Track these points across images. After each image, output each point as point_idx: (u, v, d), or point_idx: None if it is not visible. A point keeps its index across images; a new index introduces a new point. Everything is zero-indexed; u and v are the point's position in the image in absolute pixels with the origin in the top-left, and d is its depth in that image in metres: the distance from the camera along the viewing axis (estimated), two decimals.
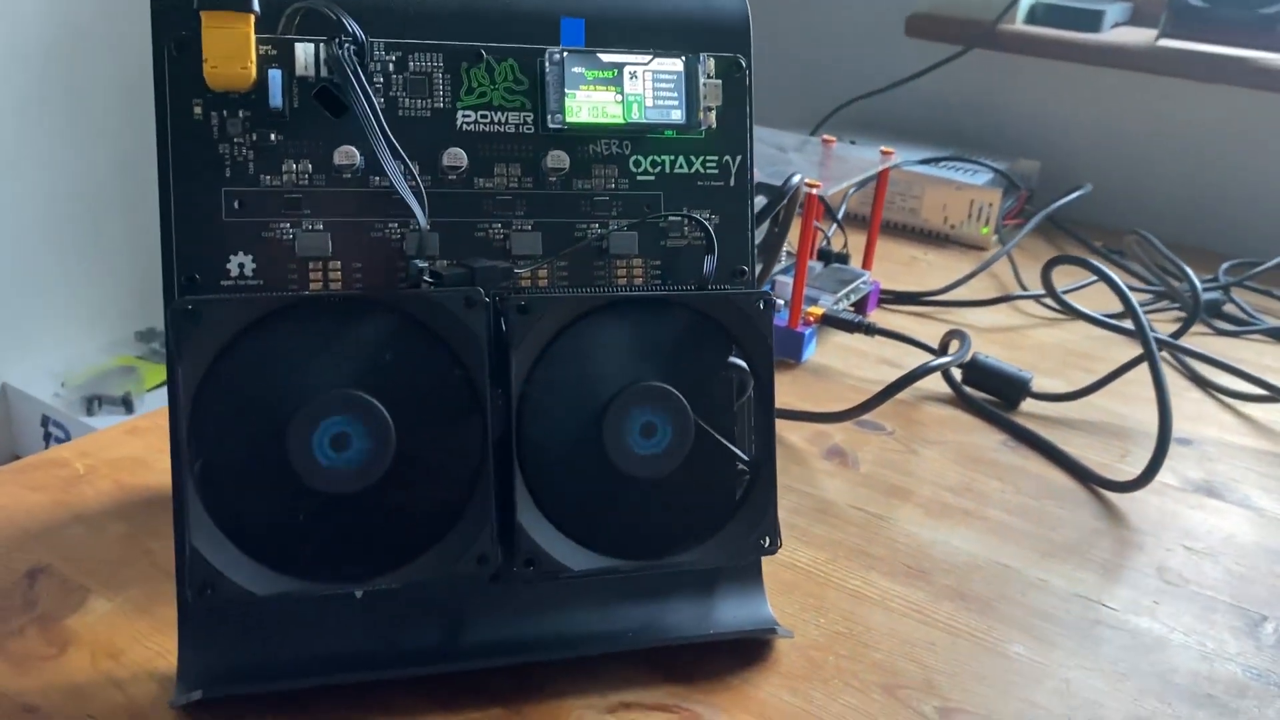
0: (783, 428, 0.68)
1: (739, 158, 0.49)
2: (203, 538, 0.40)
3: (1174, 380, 0.80)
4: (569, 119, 0.45)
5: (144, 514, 0.54)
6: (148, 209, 1.72)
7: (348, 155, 0.43)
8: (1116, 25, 1.22)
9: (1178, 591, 0.55)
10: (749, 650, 0.47)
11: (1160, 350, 0.77)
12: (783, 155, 0.83)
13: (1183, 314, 0.90)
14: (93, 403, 1.61)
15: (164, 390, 1.71)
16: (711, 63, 0.47)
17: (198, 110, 0.42)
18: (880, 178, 0.84)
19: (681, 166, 0.48)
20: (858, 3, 1.31)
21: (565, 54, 0.45)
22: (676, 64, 0.46)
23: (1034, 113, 1.23)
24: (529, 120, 0.46)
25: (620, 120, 0.46)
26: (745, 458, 0.46)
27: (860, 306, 0.85)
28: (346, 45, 0.42)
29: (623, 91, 0.46)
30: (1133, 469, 0.63)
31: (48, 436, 1.66)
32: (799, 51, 1.36)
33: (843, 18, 1.33)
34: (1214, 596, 0.55)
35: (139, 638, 0.46)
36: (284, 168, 0.43)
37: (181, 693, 0.41)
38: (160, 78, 0.42)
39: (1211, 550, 0.59)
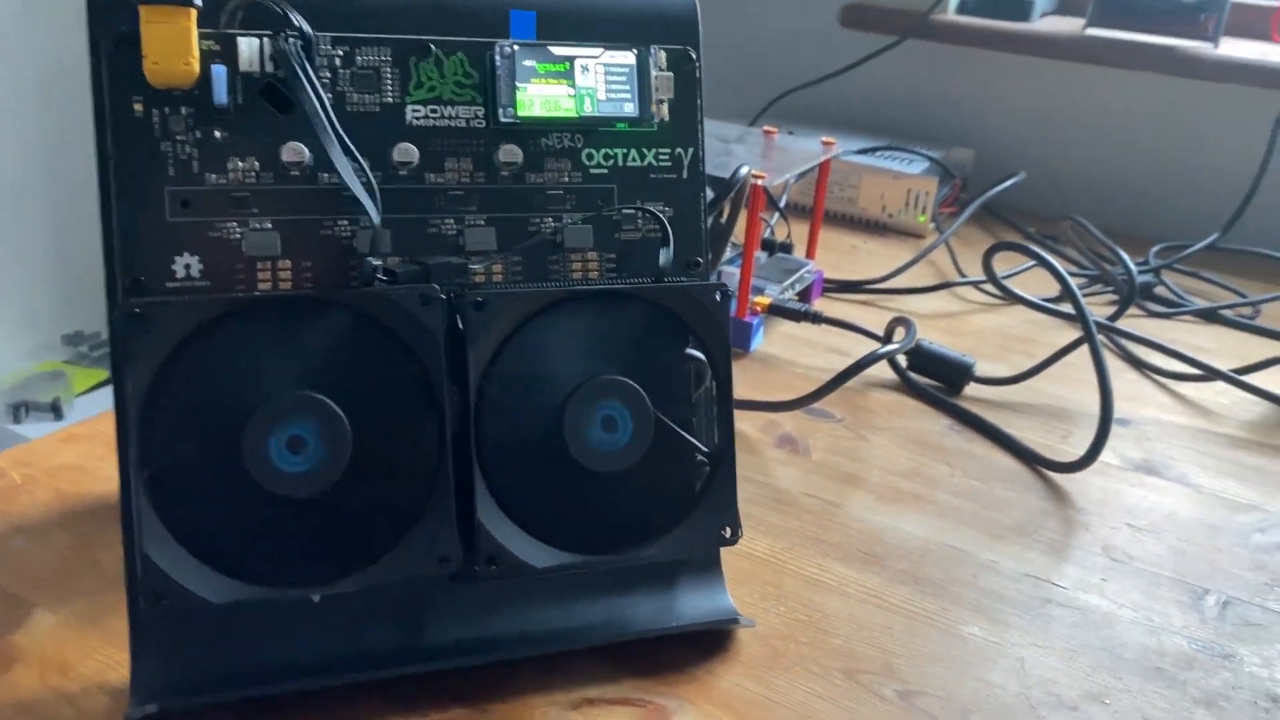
0: (734, 417, 0.68)
1: (691, 150, 0.49)
2: (155, 545, 0.39)
3: (1111, 362, 0.82)
4: (521, 112, 0.45)
5: (88, 523, 0.52)
6: (70, 210, 1.68)
7: (296, 152, 0.42)
8: (1046, 15, 1.24)
9: (1123, 568, 0.56)
10: (711, 641, 0.48)
11: (1098, 333, 0.79)
12: (725, 147, 0.84)
13: (1116, 297, 0.92)
14: (19, 409, 1.56)
15: (94, 395, 1.66)
16: (663, 55, 0.47)
17: (138, 108, 0.41)
18: (822, 168, 0.85)
19: (634, 159, 0.48)
20: None
21: (516, 47, 0.45)
22: (629, 57, 0.46)
23: (968, 102, 1.25)
24: (480, 114, 0.45)
25: (573, 114, 0.46)
26: (705, 449, 0.46)
27: (805, 296, 0.86)
28: (292, 40, 0.41)
29: (575, 85, 0.45)
30: (1075, 450, 0.64)
31: None
32: (736, 43, 1.37)
33: (778, 9, 1.33)
34: (1158, 572, 0.56)
35: (89, 651, 0.45)
36: (230, 166, 0.42)
37: (135, 706, 0.40)
38: (98, 75, 0.41)
39: (1154, 527, 0.60)
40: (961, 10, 1.24)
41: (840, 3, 1.26)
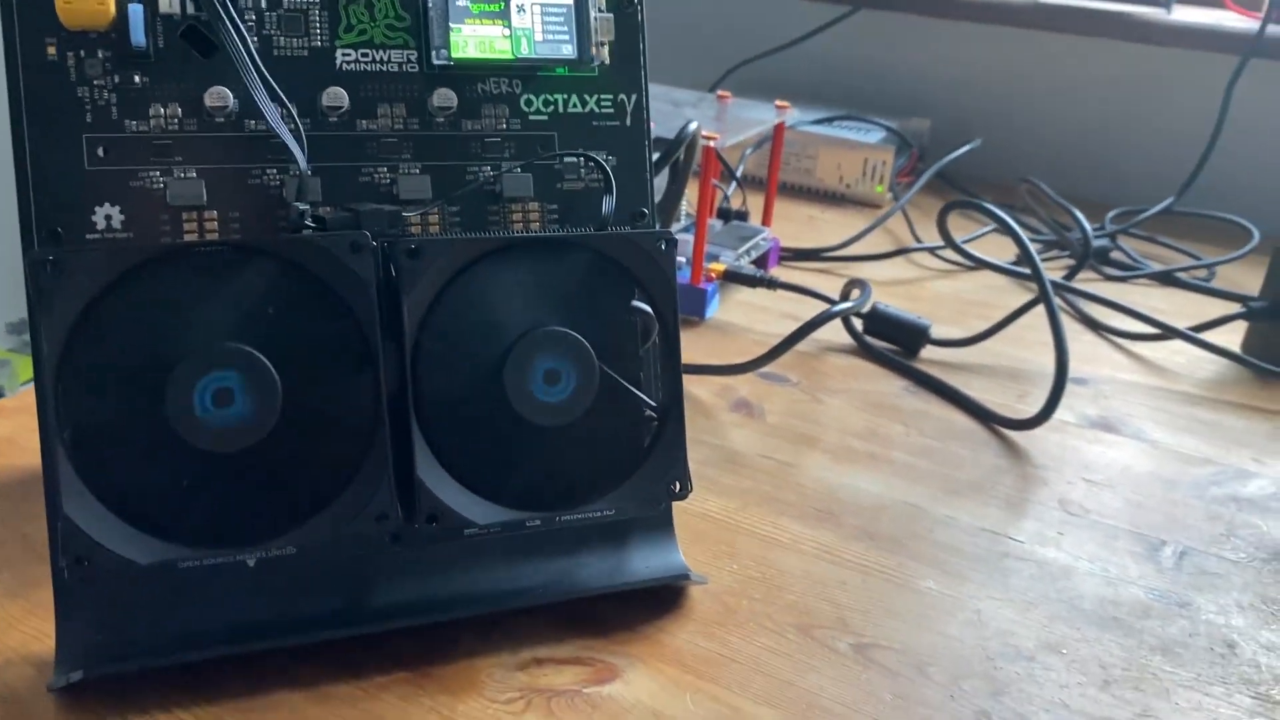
0: (689, 382, 0.67)
1: (634, 96, 0.47)
2: (76, 506, 0.37)
3: (1068, 324, 0.81)
4: (455, 54, 0.43)
5: (16, 495, 0.51)
6: (8, 197, 1.64)
7: (220, 97, 0.41)
8: None
9: (1080, 521, 0.56)
10: (662, 599, 0.47)
11: (1054, 294, 0.79)
12: (678, 111, 0.82)
13: (1073, 261, 0.92)
14: None
15: None
16: None
17: (51, 50, 0.39)
18: (776, 133, 0.84)
19: (575, 105, 0.46)
20: None
21: None
22: None
23: (924, 71, 1.24)
24: (412, 59, 0.44)
25: (509, 55, 0.44)
26: (653, 404, 0.45)
27: (761, 263, 0.85)
28: None
29: (510, 25, 0.44)
30: (1031, 409, 0.64)
31: None
32: (691, 13, 1.36)
33: None
34: (1114, 525, 0.56)
35: (13, 623, 0.43)
36: (151, 112, 0.40)
37: (60, 675, 0.38)
38: (8, 16, 0.39)
39: (1110, 481, 0.60)
40: None
41: None
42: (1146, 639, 0.47)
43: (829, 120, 1.13)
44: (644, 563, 0.47)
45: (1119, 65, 1.15)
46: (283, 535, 0.39)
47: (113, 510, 0.38)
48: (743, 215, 0.88)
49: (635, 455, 0.45)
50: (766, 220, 0.87)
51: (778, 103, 0.84)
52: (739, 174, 0.93)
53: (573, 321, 0.43)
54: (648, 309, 0.45)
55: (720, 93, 0.87)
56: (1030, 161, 1.21)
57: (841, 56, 1.26)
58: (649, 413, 0.45)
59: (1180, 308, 0.87)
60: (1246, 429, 0.67)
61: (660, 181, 0.70)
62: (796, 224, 1.02)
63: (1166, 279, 0.92)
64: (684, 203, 0.80)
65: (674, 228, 0.81)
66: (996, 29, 1.18)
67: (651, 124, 0.71)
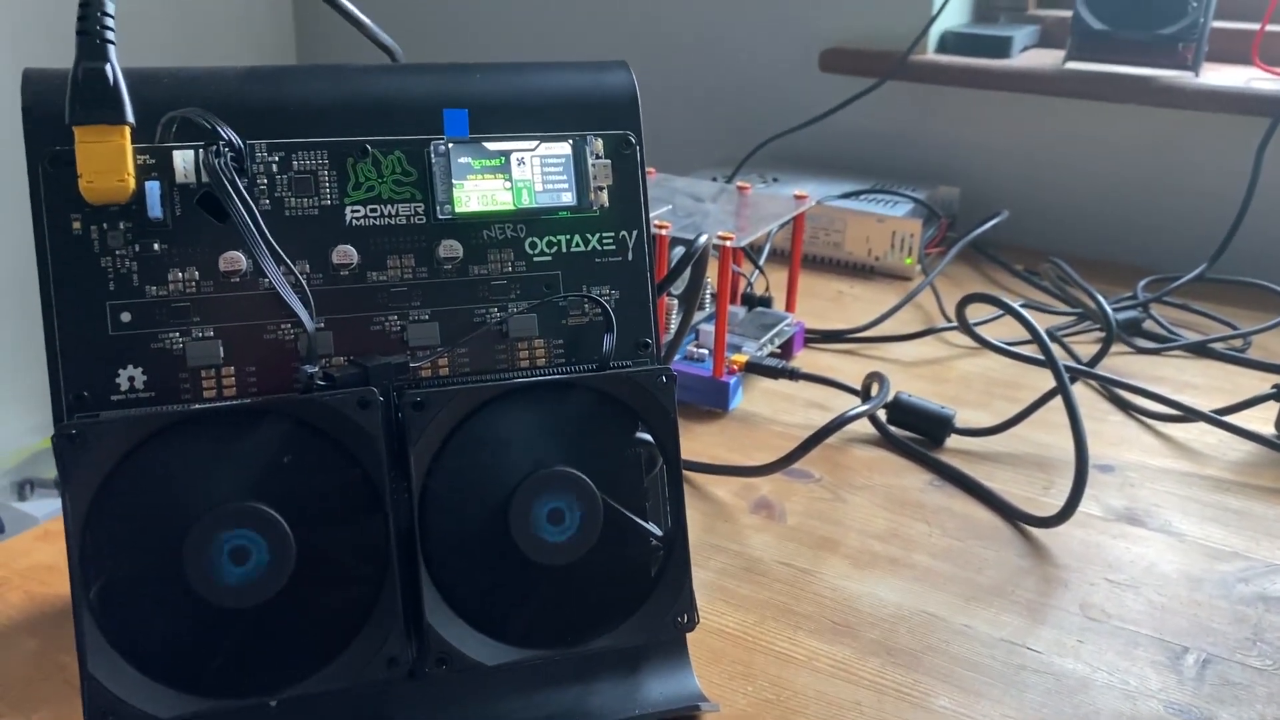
0: (710, 482, 0.68)
1: (635, 232, 0.49)
2: (100, 664, 0.39)
3: (1096, 404, 0.81)
4: (458, 209, 0.45)
5: (55, 627, 0.53)
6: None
7: (233, 261, 0.43)
8: (1026, 49, 1.24)
9: (1100, 628, 0.55)
10: None
11: (1076, 380, 0.79)
12: (700, 206, 0.84)
13: (1103, 333, 0.91)
14: (24, 486, 1.57)
15: None
16: (599, 142, 0.47)
17: (76, 225, 0.42)
18: (796, 221, 0.85)
19: (578, 245, 0.48)
20: (772, 41, 1.32)
21: (450, 145, 0.45)
22: (564, 147, 0.46)
23: (951, 140, 1.25)
24: (420, 210, 0.45)
25: (510, 207, 0.46)
26: (658, 533, 0.46)
27: (786, 349, 0.86)
28: (224, 152, 0.42)
29: (511, 178, 0.46)
30: (1056, 501, 0.64)
31: None
32: (717, 93, 1.38)
33: (757, 57, 1.34)
34: (1136, 630, 0.55)
35: None
36: (170, 277, 0.42)
37: None
38: (36, 195, 0.41)
39: (1133, 581, 0.59)
40: (941, 49, 1.24)
41: (819, 47, 1.27)
42: None
43: (857, 194, 1.14)
44: (659, 689, 0.48)
45: (1148, 131, 1.15)
46: (301, 682, 0.41)
47: (136, 666, 0.39)
48: (766, 301, 0.89)
49: (642, 587, 0.46)
50: (790, 305, 0.88)
51: (796, 194, 0.85)
52: (764, 257, 0.94)
53: (576, 458, 0.44)
54: (650, 440, 0.46)
55: (740, 184, 0.89)
56: (1061, 228, 1.20)
57: (868, 128, 1.27)
58: (654, 542, 0.46)
59: (1215, 381, 0.86)
60: (1278, 517, 0.66)
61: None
62: (824, 300, 1.02)
63: (1201, 350, 0.91)
64: (702, 292, 0.81)
65: (697, 317, 0.83)
66: (1023, 96, 1.18)
67: (667, 228, 0.72)
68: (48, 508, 1.55)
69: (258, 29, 1.81)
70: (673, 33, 1.39)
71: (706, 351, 0.79)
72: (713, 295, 0.85)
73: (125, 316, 0.42)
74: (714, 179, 1.09)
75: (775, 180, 1.18)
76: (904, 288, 1.04)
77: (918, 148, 1.27)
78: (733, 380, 0.77)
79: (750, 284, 0.90)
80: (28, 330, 1.70)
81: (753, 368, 0.78)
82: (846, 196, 1.13)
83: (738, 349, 0.80)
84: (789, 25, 1.30)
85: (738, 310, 0.87)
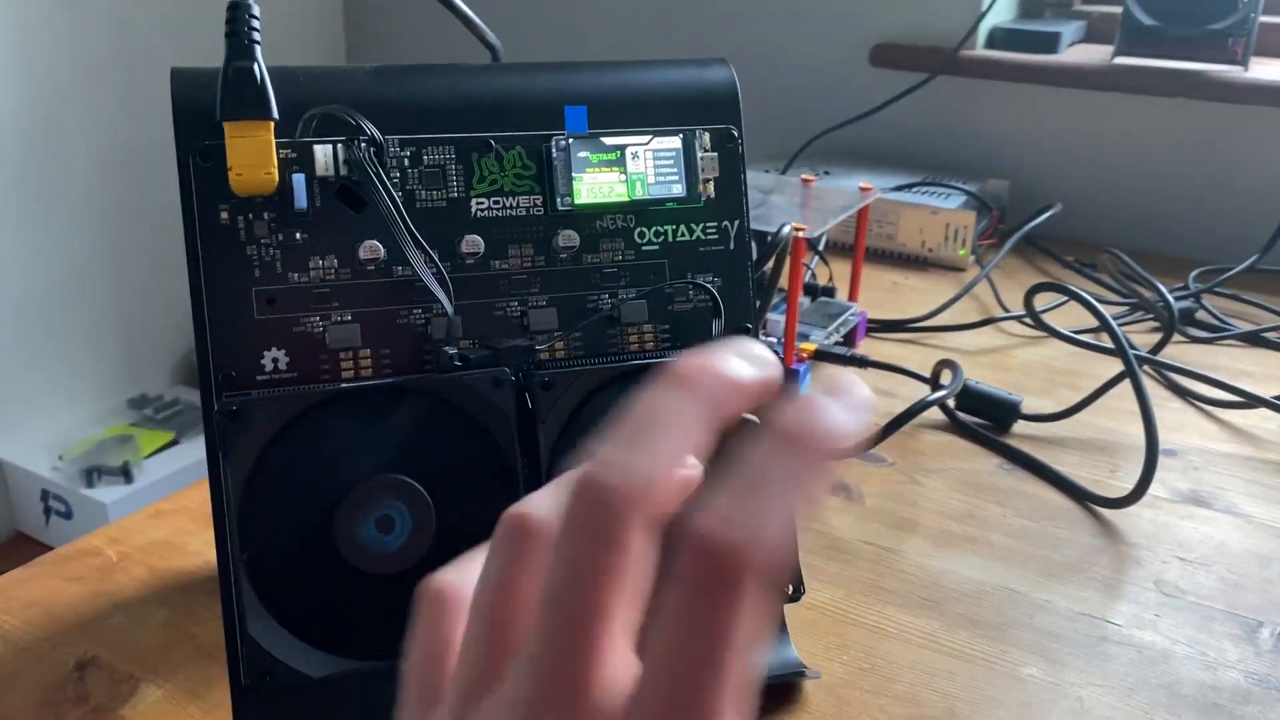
0: None
1: (737, 222, 0.51)
2: (257, 625, 0.41)
3: (1155, 391, 0.83)
4: (577, 201, 0.48)
5: (181, 599, 0.56)
6: (129, 277, 1.74)
7: (372, 249, 0.45)
8: (1073, 44, 1.26)
9: (1176, 603, 0.57)
10: (778, 694, 0.50)
11: (1140, 366, 0.81)
12: (764, 198, 0.86)
13: (1158, 324, 0.93)
14: (92, 474, 1.61)
15: (161, 457, 1.70)
16: (706, 136, 0.50)
17: (224, 215, 0.44)
18: (860, 213, 0.87)
19: (683, 235, 0.50)
20: (824, 37, 1.35)
21: (570, 140, 0.47)
22: (674, 142, 0.49)
23: (1000, 134, 1.27)
24: (538, 203, 0.48)
25: (625, 198, 0.48)
26: None
27: (850, 338, 0.88)
28: (365, 146, 0.44)
29: (626, 171, 0.48)
30: (1123, 484, 0.66)
31: (48, 510, 1.66)
32: (770, 87, 1.40)
33: (810, 52, 1.36)
34: (1211, 606, 0.57)
35: None
36: (311, 264, 0.45)
37: None
38: (186, 187, 0.44)
39: (1204, 560, 0.61)
40: (990, 45, 1.26)
41: (870, 43, 1.29)
42: None
43: (908, 186, 1.16)
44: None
45: (1198, 124, 1.17)
46: None
47: (287, 628, 0.42)
48: (830, 291, 0.91)
49: None
50: (853, 295, 0.90)
51: (861, 186, 0.87)
52: (823, 241, 0.96)
53: None
54: (754, 419, 0.49)
55: (804, 176, 0.91)
56: (1112, 221, 1.22)
57: (919, 122, 1.29)
58: None
59: (1270, 369, 0.88)
60: None
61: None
62: (881, 291, 1.04)
63: (1254, 339, 0.93)
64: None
65: (768, 309, 0.85)
66: (1072, 91, 1.20)
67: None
68: (115, 494, 1.59)
69: (307, 28, 1.84)
70: (725, 28, 1.42)
71: (776, 340, 0.81)
72: (778, 287, 0.87)
73: (270, 301, 0.45)
74: (766, 171, 1.11)
75: (827, 174, 1.20)
76: (958, 278, 1.06)
77: (967, 142, 1.29)
78: (803, 368, 0.80)
79: (813, 274, 0.92)
80: (89, 325, 1.75)
81: (821, 356, 0.80)
82: (899, 189, 1.15)
83: (805, 338, 0.82)
84: (840, 22, 1.33)
85: (802, 300, 0.89)
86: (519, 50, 0.58)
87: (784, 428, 0.21)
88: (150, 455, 1.68)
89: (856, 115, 1.25)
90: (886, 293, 1.04)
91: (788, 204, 0.85)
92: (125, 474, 1.61)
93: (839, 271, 0.91)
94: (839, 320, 0.86)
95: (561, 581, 0.20)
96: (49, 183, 1.68)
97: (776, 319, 0.81)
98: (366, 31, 1.79)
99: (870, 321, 0.93)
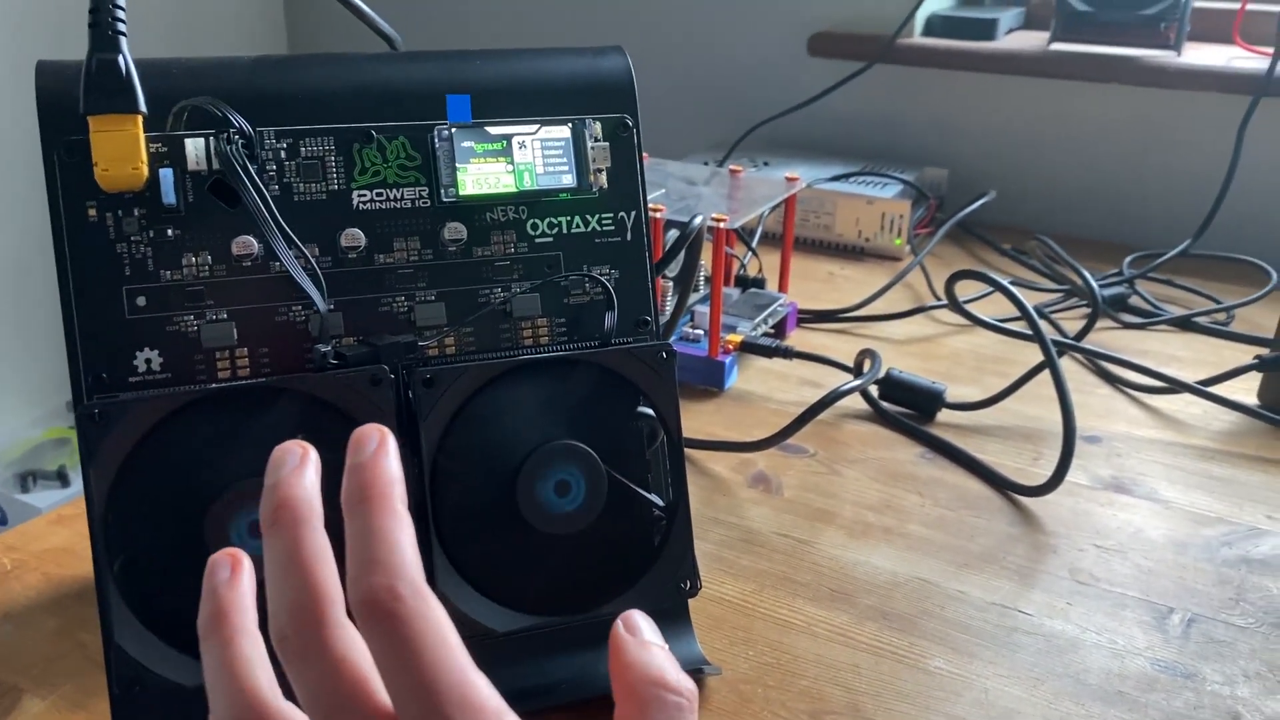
0: (708, 458, 0.70)
1: (633, 213, 0.50)
2: (126, 634, 0.40)
3: (1083, 377, 0.83)
4: (462, 192, 0.46)
5: (75, 605, 0.54)
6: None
7: (245, 245, 0.44)
8: (1011, 31, 1.25)
9: (1089, 591, 0.57)
10: None
11: (1064, 354, 0.80)
12: (693, 189, 0.85)
13: (1089, 309, 0.93)
14: (27, 479, 1.58)
15: None
16: (598, 126, 0.49)
17: (92, 212, 0.43)
18: (788, 202, 0.86)
19: (578, 226, 0.49)
20: (761, 26, 1.34)
21: (453, 130, 0.46)
22: (563, 131, 0.48)
23: (938, 122, 1.26)
24: (424, 194, 0.47)
25: (512, 189, 0.47)
26: (660, 503, 0.48)
27: (779, 329, 0.87)
28: (235, 140, 0.43)
29: (513, 161, 0.47)
30: (1045, 472, 0.65)
31: None
32: (708, 79, 1.39)
33: (747, 42, 1.35)
34: (1124, 593, 0.57)
35: None
36: (184, 261, 0.44)
37: None
38: (52, 183, 0.43)
39: (1121, 547, 0.61)
40: (928, 33, 1.25)
41: (808, 31, 1.28)
42: (1151, 713, 0.48)
43: (846, 176, 1.15)
44: None
45: (1132, 110, 1.17)
46: None
47: (159, 636, 0.41)
48: (760, 282, 0.90)
49: (646, 556, 0.47)
50: (783, 286, 0.89)
51: (787, 176, 0.86)
52: (756, 239, 0.96)
53: (581, 431, 0.46)
54: (652, 414, 0.48)
55: (732, 167, 0.90)
56: (1047, 207, 1.22)
57: (857, 111, 1.29)
58: (657, 511, 0.48)
59: (1200, 354, 0.88)
60: (1261, 484, 0.68)
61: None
62: (816, 281, 1.04)
63: (1185, 324, 0.93)
64: (697, 274, 0.83)
65: (692, 298, 0.84)
66: (1009, 78, 1.20)
67: (662, 210, 0.74)
68: (50, 499, 1.57)
69: (249, 22, 1.81)
70: (663, 19, 1.41)
71: (702, 332, 0.80)
72: (706, 278, 0.86)
73: (141, 300, 0.43)
74: (705, 163, 1.10)
75: (766, 164, 1.20)
76: (894, 268, 1.05)
77: (906, 130, 1.28)
78: (728, 359, 0.79)
79: (744, 266, 0.91)
80: (26, 326, 1.71)
81: (747, 347, 0.80)
82: (836, 179, 1.15)
83: (732, 329, 0.81)
84: (778, 10, 1.32)
85: (731, 292, 0.88)
86: (435, 43, 0.57)
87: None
88: None
89: (795, 105, 1.25)
90: (822, 283, 1.04)
91: (716, 196, 0.85)
92: (61, 478, 1.58)
93: (773, 264, 0.91)
94: (767, 311, 0.85)
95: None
96: None
97: (703, 310, 0.80)
98: (307, 23, 1.77)
99: (802, 312, 0.93)
